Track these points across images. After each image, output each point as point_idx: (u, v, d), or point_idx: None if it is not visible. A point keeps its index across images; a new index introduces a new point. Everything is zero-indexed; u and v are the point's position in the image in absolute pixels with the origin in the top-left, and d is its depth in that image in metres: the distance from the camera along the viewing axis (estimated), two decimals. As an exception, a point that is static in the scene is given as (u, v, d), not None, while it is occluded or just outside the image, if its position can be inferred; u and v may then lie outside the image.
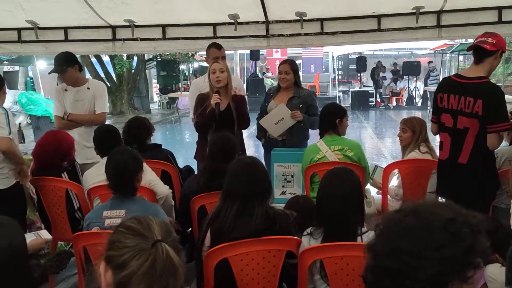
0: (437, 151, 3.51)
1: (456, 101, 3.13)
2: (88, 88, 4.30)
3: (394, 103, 19.40)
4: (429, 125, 3.70)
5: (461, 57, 18.45)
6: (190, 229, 3.31)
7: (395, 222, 1.15)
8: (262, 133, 4.51)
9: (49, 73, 4.49)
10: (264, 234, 2.31)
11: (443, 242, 1.07)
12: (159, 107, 21.28)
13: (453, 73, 3.78)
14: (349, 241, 2.20)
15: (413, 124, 3.85)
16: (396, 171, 3.80)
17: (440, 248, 1.07)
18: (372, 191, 3.92)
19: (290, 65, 4.42)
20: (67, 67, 4.15)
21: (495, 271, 2.30)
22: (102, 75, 17.73)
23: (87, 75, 18.48)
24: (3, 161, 3.41)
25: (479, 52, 3.11)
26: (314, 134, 3.99)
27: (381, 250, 1.14)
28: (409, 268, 1.07)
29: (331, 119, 3.64)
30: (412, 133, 3.84)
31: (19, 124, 10.86)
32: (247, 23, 4.80)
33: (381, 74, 20.21)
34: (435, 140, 3.63)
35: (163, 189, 3.25)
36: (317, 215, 2.39)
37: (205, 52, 4.53)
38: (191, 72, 23.36)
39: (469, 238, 1.08)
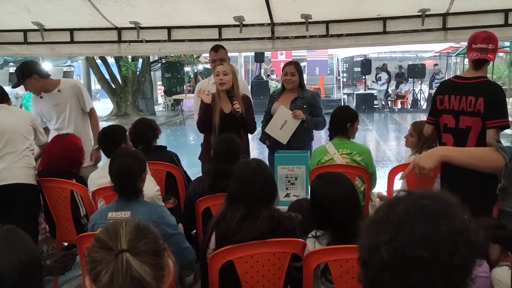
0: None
1: (457, 101, 3.16)
2: (59, 91, 4.22)
3: (399, 106, 19.37)
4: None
5: (466, 60, 18.38)
6: (195, 231, 3.31)
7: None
8: (265, 135, 4.50)
9: (12, 87, 4.46)
10: (269, 236, 2.30)
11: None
12: (164, 109, 21.34)
13: (456, 76, 3.83)
14: (356, 243, 2.18)
15: (420, 130, 3.80)
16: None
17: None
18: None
19: (295, 66, 4.42)
20: (24, 79, 4.06)
21: (502, 274, 2.30)
22: (107, 76, 17.80)
23: (92, 77, 18.62)
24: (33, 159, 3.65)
25: (481, 62, 3.16)
26: (318, 136, 3.98)
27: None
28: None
29: (342, 122, 3.63)
30: (418, 139, 3.82)
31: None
32: (252, 25, 4.81)
33: (378, 75, 20.11)
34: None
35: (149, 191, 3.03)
36: (315, 220, 2.37)
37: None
38: (192, 74, 23.37)
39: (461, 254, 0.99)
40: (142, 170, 2.64)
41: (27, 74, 4.06)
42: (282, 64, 4.69)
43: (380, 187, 4.03)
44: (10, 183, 3.51)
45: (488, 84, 3.23)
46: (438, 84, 3.88)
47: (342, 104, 17.49)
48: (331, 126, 3.73)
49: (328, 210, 2.28)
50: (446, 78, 18.31)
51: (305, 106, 4.30)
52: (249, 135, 4.24)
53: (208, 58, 4.61)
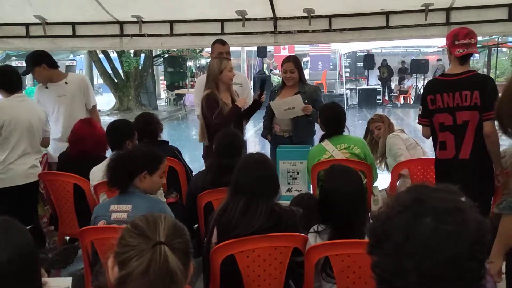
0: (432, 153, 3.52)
1: (451, 98, 3.16)
2: (66, 83, 4.27)
3: (402, 101, 19.32)
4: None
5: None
6: (197, 225, 3.31)
7: (406, 235, 1.01)
8: (267, 131, 4.49)
9: (22, 74, 4.48)
10: (270, 231, 2.30)
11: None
12: (166, 103, 21.32)
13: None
14: (357, 238, 2.19)
15: (381, 117, 4.33)
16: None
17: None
18: (379, 188, 3.89)
19: (294, 63, 4.38)
20: (33, 67, 4.14)
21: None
22: (110, 71, 17.78)
23: (95, 71, 18.60)
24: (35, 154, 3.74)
25: (468, 56, 3.21)
26: (319, 131, 3.96)
27: (397, 268, 1.01)
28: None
29: (340, 121, 3.60)
30: (383, 124, 4.27)
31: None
32: (255, 19, 4.79)
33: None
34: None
35: None
36: (322, 213, 2.37)
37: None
38: (194, 69, 23.34)
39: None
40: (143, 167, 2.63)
41: (36, 62, 4.14)
42: (285, 59, 4.64)
43: (383, 183, 4.03)
44: (21, 184, 3.64)
45: (480, 77, 3.29)
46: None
47: (344, 100, 17.50)
48: (327, 128, 3.63)
49: (335, 203, 2.27)
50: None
51: (306, 101, 4.28)
52: (246, 133, 4.25)
53: (210, 52, 4.57)
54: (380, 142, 4.24)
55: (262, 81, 4.57)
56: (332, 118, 3.62)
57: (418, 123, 3.48)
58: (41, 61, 4.14)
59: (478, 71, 3.56)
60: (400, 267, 1.01)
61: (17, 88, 3.79)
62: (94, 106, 4.47)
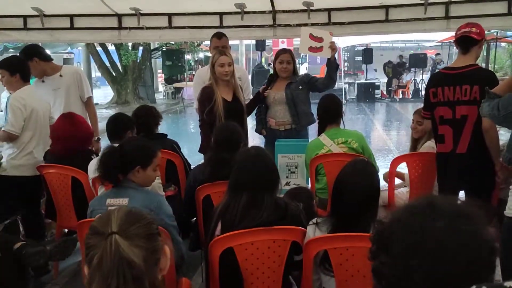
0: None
1: (452, 92, 3.17)
2: (61, 76, 4.27)
3: (400, 96, 19.31)
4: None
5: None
6: (195, 218, 3.31)
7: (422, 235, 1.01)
8: (261, 126, 4.46)
9: None
10: (276, 224, 2.29)
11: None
12: (164, 97, 21.27)
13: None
14: (362, 231, 2.14)
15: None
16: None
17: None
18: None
19: (290, 54, 4.40)
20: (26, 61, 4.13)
21: None
22: (108, 64, 17.71)
23: (92, 64, 18.51)
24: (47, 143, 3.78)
25: (466, 42, 3.18)
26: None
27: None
28: None
29: (338, 109, 3.61)
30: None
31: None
32: (254, 12, 4.78)
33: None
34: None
35: None
36: (333, 203, 2.35)
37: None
38: (193, 62, 23.26)
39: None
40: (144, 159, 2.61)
41: (28, 56, 4.13)
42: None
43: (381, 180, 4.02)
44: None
45: (481, 71, 3.30)
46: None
47: (343, 94, 17.48)
48: (324, 116, 3.65)
49: (348, 191, 2.24)
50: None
51: (300, 87, 4.27)
52: (248, 125, 4.23)
53: (209, 46, 4.56)
54: (419, 145, 3.92)
55: (270, 76, 4.51)
56: (325, 109, 3.65)
57: (422, 115, 3.50)
58: (32, 55, 4.13)
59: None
60: (408, 269, 1.00)
61: (29, 79, 3.89)
62: (90, 98, 4.45)
